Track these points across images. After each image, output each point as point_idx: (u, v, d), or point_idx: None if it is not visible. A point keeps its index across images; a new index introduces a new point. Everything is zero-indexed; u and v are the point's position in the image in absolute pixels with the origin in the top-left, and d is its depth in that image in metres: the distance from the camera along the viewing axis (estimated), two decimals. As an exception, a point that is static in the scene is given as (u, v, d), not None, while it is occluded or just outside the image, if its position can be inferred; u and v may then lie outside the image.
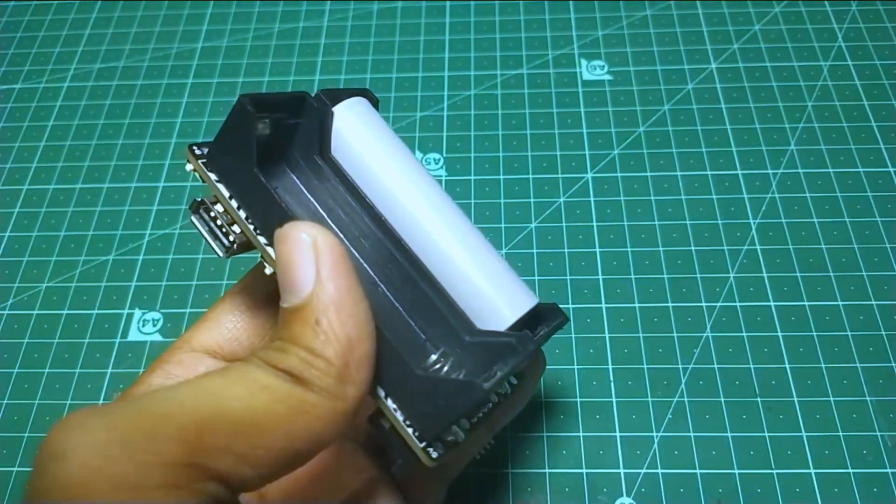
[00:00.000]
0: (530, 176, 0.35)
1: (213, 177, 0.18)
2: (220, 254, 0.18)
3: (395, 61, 0.39)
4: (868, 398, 0.28)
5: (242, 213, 0.18)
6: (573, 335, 0.30)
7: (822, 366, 0.29)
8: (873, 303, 0.30)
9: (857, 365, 0.29)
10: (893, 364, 0.29)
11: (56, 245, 0.34)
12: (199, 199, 0.18)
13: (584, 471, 0.27)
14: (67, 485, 0.13)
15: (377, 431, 0.18)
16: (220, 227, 0.18)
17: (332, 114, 0.19)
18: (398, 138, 0.20)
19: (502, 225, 0.33)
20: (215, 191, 0.18)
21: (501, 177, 0.35)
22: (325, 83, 0.38)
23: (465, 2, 0.41)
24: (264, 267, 0.18)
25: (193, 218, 0.18)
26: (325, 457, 0.20)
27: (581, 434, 0.28)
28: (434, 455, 0.17)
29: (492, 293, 0.18)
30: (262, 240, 0.18)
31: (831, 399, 0.28)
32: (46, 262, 0.33)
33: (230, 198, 0.18)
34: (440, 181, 0.35)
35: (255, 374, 0.15)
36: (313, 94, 0.19)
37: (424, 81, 0.38)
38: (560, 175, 0.35)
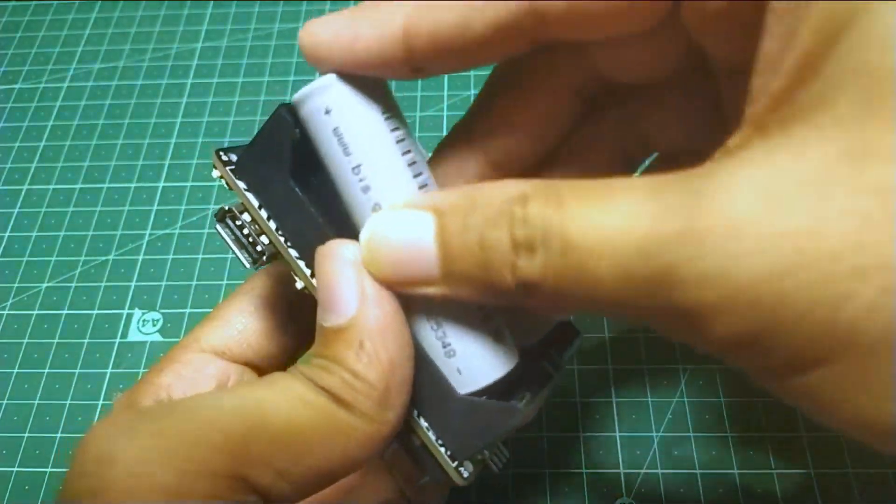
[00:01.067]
0: (530, 176, 0.35)
1: (241, 185, 0.17)
2: (247, 265, 0.18)
3: (395, 61, 0.39)
4: (868, 398, 0.28)
5: (273, 224, 0.17)
6: (573, 335, 0.30)
7: (822, 366, 0.29)
8: (873, 303, 0.30)
9: (857, 365, 0.29)
10: (893, 364, 0.29)
11: (56, 245, 0.34)
12: (227, 208, 0.18)
13: (584, 471, 0.27)
14: (113, 490, 0.13)
15: (405, 448, 0.17)
16: (247, 237, 0.17)
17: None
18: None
19: (502, 225, 0.33)
20: (244, 200, 0.17)
21: (501, 177, 0.35)
22: (325, 83, 0.38)
23: (465, 2, 0.41)
24: (294, 280, 0.17)
25: (219, 227, 0.18)
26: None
27: (581, 434, 0.28)
28: (465, 475, 0.17)
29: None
30: (293, 253, 0.17)
31: (831, 399, 0.28)
32: (46, 262, 0.33)
33: (260, 208, 0.17)
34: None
35: (298, 389, 0.15)
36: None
37: (424, 81, 0.38)
38: (560, 175, 0.35)
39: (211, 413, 0.14)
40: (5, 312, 0.32)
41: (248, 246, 0.17)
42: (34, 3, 0.43)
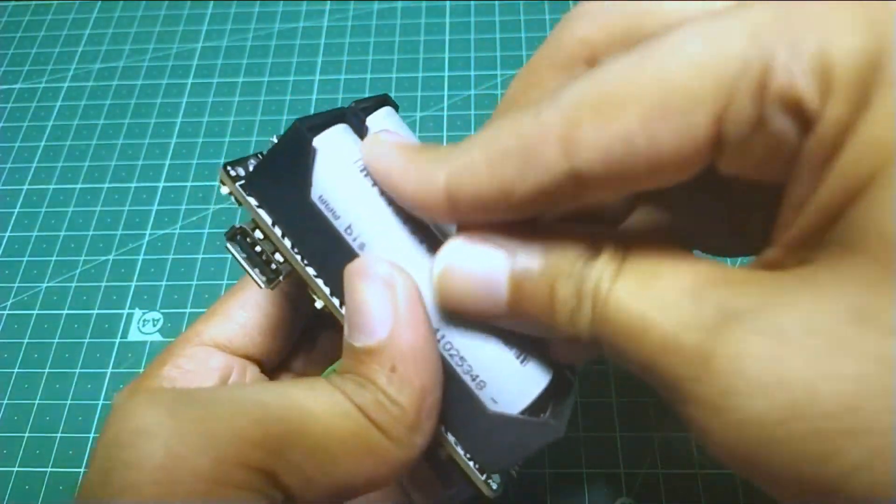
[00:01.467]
0: (530, 176, 0.35)
1: (253, 202, 0.16)
2: (262, 285, 0.17)
3: (395, 61, 0.39)
4: (868, 398, 0.28)
5: (288, 242, 0.16)
6: (573, 335, 0.30)
7: (822, 366, 0.29)
8: (873, 303, 0.30)
9: (857, 365, 0.29)
10: (893, 364, 0.29)
11: (56, 245, 0.34)
12: (238, 227, 0.17)
13: (584, 471, 0.27)
14: (148, 465, 0.13)
15: (430, 461, 0.17)
16: (260, 255, 0.17)
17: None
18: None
19: (502, 225, 0.33)
20: (256, 217, 0.16)
21: (501, 177, 0.35)
22: (325, 83, 0.38)
23: (466, 2, 0.41)
24: (313, 300, 0.17)
25: (229, 245, 0.17)
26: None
27: (581, 434, 0.28)
28: (494, 487, 0.17)
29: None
30: (310, 271, 0.16)
31: (831, 399, 0.28)
32: (46, 262, 0.33)
33: (273, 224, 0.16)
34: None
35: (339, 400, 0.15)
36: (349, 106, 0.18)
37: (424, 81, 0.38)
38: (560, 175, 0.35)
39: (254, 408, 0.14)
40: (5, 312, 0.32)
41: (261, 264, 0.17)
42: (34, 3, 0.43)
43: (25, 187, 0.36)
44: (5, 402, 0.30)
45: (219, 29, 0.41)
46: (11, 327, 0.32)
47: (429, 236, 0.16)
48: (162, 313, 0.32)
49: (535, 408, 0.17)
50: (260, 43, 0.40)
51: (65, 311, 0.32)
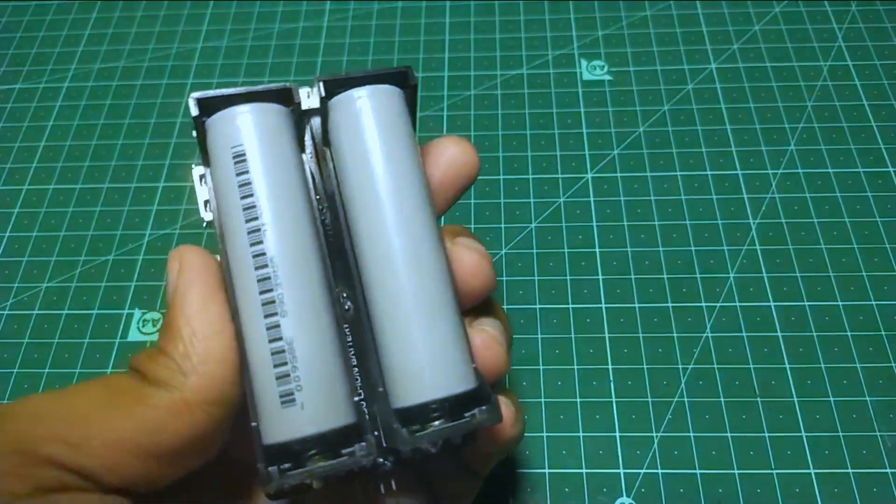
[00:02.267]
0: (530, 176, 0.35)
1: (208, 148, 0.18)
2: (204, 222, 0.18)
3: (395, 61, 0.39)
4: (868, 398, 0.28)
5: (216, 201, 0.17)
6: (573, 335, 0.30)
7: (822, 366, 0.29)
8: (873, 303, 0.30)
9: (857, 365, 0.29)
10: (893, 364, 0.29)
11: (56, 245, 0.34)
12: (197, 164, 0.18)
13: (584, 471, 0.27)
14: None
15: (413, 449, 0.17)
16: (204, 197, 0.18)
17: (326, 110, 0.18)
18: (408, 147, 0.18)
19: (502, 225, 0.33)
20: (204, 164, 0.18)
21: (501, 177, 0.35)
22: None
23: (465, 2, 0.41)
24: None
25: (194, 171, 0.18)
26: None
27: (581, 434, 0.28)
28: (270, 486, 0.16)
29: (417, 359, 0.16)
30: (218, 229, 0.17)
31: (831, 399, 0.28)
32: (46, 262, 0.33)
33: (201, 179, 0.18)
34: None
35: (108, 377, 0.17)
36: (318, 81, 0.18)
37: (424, 81, 0.38)
38: (560, 175, 0.35)
39: (4, 407, 0.16)
40: (5, 312, 0.32)
41: (204, 204, 0.18)
42: (34, 3, 0.43)
43: (25, 187, 0.36)
44: (6, 401, 0.30)
45: (219, 29, 0.41)
46: (11, 327, 0.32)
47: (262, 236, 0.17)
48: (162, 313, 0.32)
49: (288, 449, 0.16)
50: (260, 43, 0.40)
51: (65, 311, 0.32)
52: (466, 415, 0.17)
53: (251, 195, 0.16)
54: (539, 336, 0.30)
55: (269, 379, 0.16)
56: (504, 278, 0.32)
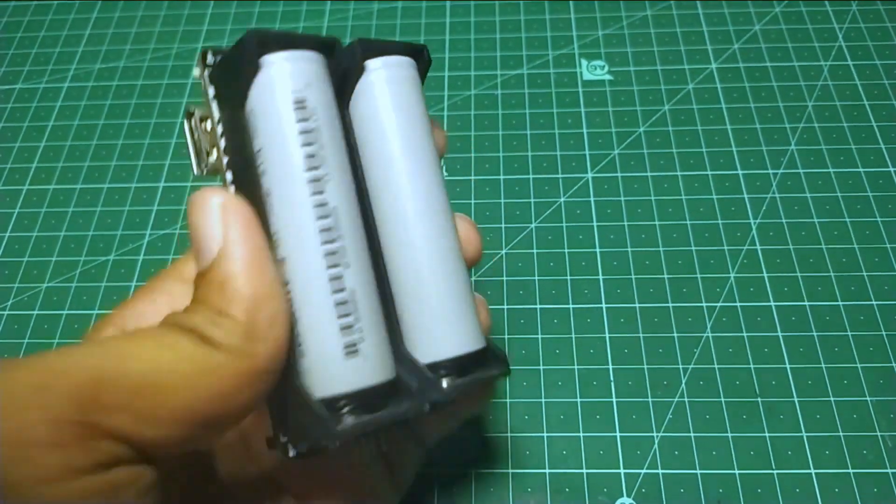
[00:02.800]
0: (530, 176, 0.35)
1: (210, 93, 0.17)
2: (195, 171, 0.17)
3: (395, 61, 0.39)
4: (868, 398, 0.28)
5: (223, 143, 0.17)
6: (573, 335, 0.30)
7: (823, 366, 0.29)
8: (873, 303, 0.30)
9: (858, 365, 0.29)
10: (893, 364, 0.29)
11: (56, 245, 0.34)
12: (192, 111, 0.17)
13: (584, 471, 0.27)
14: None
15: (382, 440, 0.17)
16: (202, 145, 0.17)
17: (362, 69, 0.18)
18: (424, 120, 0.19)
19: (502, 225, 0.33)
20: (208, 109, 0.17)
21: (501, 177, 0.35)
22: (326, 83, 0.38)
23: (465, 2, 0.41)
24: None
25: (185, 123, 0.17)
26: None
27: (581, 434, 0.28)
28: (292, 454, 0.16)
29: (441, 318, 0.17)
30: (228, 177, 0.17)
31: (831, 399, 0.28)
32: (46, 262, 0.33)
33: (218, 122, 0.17)
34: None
35: (163, 335, 0.15)
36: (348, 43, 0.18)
37: (425, 81, 0.38)
38: (560, 175, 0.35)
39: (60, 360, 0.14)
40: (5, 312, 0.32)
41: (201, 152, 0.17)
42: (34, 3, 0.43)
43: (25, 187, 0.36)
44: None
45: (219, 29, 0.41)
46: (11, 327, 0.32)
47: (324, 186, 0.16)
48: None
49: (341, 403, 0.16)
50: (260, 43, 0.40)
51: (65, 312, 0.32)
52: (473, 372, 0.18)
53: (312, 143, 0.16)
54: (539, 336, 0.30)
55: (332, 331, 0.16)
56: (504, 278, 0.32)
